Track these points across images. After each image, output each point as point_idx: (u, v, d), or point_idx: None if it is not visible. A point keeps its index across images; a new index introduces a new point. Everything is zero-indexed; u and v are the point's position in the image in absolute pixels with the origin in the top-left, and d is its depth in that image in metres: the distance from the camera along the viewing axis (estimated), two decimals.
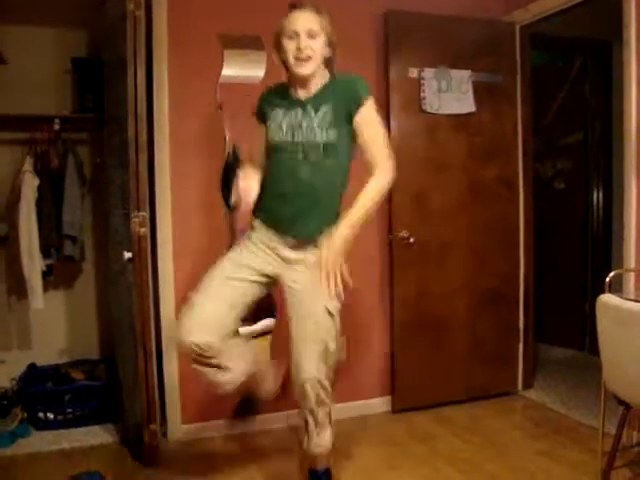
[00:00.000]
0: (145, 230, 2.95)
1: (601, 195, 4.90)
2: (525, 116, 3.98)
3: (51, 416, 3.53)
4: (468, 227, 3.82)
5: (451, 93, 3.70)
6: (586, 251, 4.94)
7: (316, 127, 2.36)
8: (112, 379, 3.61)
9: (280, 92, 2.48)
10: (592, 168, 4.90)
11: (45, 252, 3.58)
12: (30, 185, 3.48)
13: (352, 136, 2.42)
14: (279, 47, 2.38)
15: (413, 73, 3.64)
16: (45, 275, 3.60)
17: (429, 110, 3.66)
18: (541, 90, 4.48)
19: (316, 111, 2.36)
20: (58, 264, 3.70)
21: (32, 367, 3.77)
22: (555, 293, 4.93)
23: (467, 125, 3.78)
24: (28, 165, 3.50)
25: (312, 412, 2.47)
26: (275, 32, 2.39)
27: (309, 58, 2.31)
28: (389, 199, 3.65)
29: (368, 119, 2.40)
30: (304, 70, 2.33)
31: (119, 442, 3.36)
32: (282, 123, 2.40)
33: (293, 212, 2.42)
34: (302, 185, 2.40)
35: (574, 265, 4.97)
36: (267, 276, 2.50)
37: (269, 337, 3.57)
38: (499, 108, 3.87)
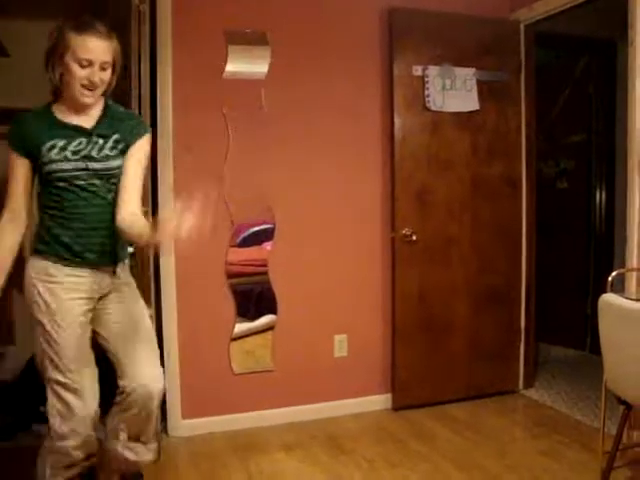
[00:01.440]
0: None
1: (604, 195, 4.89)
2: (529, 115, 3.97)
3: None
4: (471, 225, 3.82)
5: (455, 91, 3.69)
6: (588, 250, 4.94)
7: (101, 156, 2.23)
8: (114, 373, 3.60)
9: (43, 119, 2.25)
10: (595, 167, 4.90)
11: None
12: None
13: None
14: (59, 64, 2.17)
15: (417, 71, 3.63)
16: None
17: (433, 108, 3.65)
18: (545, 89, 4.47)
19: (101, 138, 2.24)
20: None
21: (33, 360, 3.77)
22: (557, 292, 4.93)
23: (471, 123, 3.77)
24: None
25: (149, 419, 2.38)
26: (54, 45, 2.19)
27: (98, 90, 2.18)
28: (392, 196, 3.66)
29: (138, 156, 2.31)
30: (89, 100, 2.19)
31: None
32: (67, 152, 2.19)
33: (106, 240, 2.31)
34: (108, 214, 2.28)
35: (576, 264, 4.97)
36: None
37: (270, 333, 3.59)
38: (503, 106, 3.86)
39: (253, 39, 3.43)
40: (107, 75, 2.18)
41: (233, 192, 3.45)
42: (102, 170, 2.23)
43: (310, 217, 3.60)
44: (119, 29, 3.06)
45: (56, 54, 2.17)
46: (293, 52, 3.50)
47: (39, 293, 2.25)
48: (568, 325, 4.94)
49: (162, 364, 3.28)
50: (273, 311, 3.59)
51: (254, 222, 3.55)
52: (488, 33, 3.79)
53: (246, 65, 3.45)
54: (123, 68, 2.31)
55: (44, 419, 3.46)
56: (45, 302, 2.24)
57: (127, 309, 2.39)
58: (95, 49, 2.12)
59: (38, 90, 3.61)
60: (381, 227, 3.72)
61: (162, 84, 3.27)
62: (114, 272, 2.35)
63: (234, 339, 3.51)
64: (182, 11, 3.30)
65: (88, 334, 2.32)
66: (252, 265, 3.57)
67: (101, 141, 2.24)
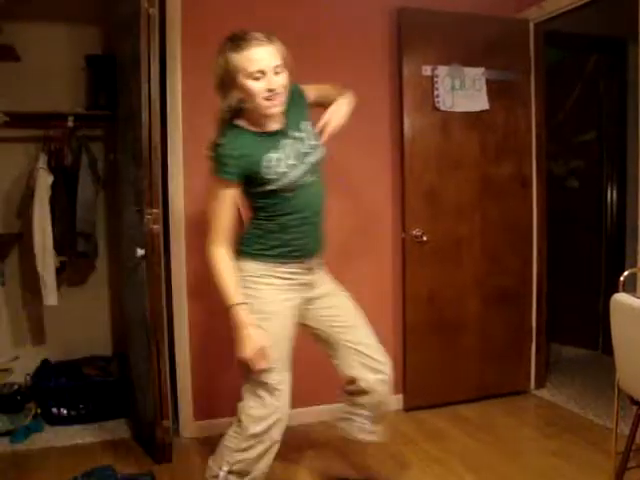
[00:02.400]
0: (158, 227, 2.96)
1: (615, 194, 4.86)
2: (539, 114, 3.95)
3: (64, 412, 3.56)
4: (481, 225, 3.81)
5: (464, 91, 3.68)
6: (600, 250, 4.91)
7: (309, 148, 2.29)
8: (125, 375, 3.63)
9: (245, 140, 2.20)
10: (606, 167, 4.87)
11: (59, 249, 3.60)
12: (44, 182, 3.51)
13: None
14: (235, 89, 2.14)
15: (426, 71, 3.62)
16: (59, 272, 3.62)
17: (442, 108, 3.64)
18: (555, 88, 4.46)
19: (299, 131, 2.29)
20: (71, 261, 3.73)
21: (46, 363, 3.80)
22: (568, 292, 4.90)
23: (480, 123, 3.76)
24: (42, 162, 3.53)
25: (380, 405, 2.53)
26: (224, 73, 2.14)
27: (279, 94, 2.14)
28: (402, 196, 3.65)
29: (308, 87, 2.41)
30: (277, 109, 2.17)
31: (131, 438, 3.39)
32: (281, 163, 2.21)
33: (318, 235, 2.41)
34: (318, 205, 2.38)
35: (587, 264, 4.94)
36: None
37: None
38: (513, 106, 3.85)
39: None
40: (283, 77, 2.15)
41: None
42: (315, 158, 2.31)
43: None
44: (128, 32, 3.09)
45: (228, 81, 2.14)
46: (301, 53, 3.49)
47: (250, 295, 2.26)
48: (580, 325, 4.91)
49: (173, 365, 3.33)
50: None
51: None
52: (497, 32, 3.78)
53: None
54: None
55: (57, 421, 3.52)
56: (256, 303, 2.26)
57: (335, 300, 2.48)
58: (262, 58, 2.09)
59: (49, 94, 3.68)
60: (391, 227, 3.71)
61: (172, 85, 3.29)
62: (318, 264, 2.44)
63: None
64: (191, 14, 3.31)
65: (292, 337, 2.38)
66: None
67: (297, 134, 2.27)
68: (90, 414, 3.58)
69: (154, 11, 2.87)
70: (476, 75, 3.71)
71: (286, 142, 2.24)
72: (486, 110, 3.75)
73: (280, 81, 2.13)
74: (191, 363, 3.40)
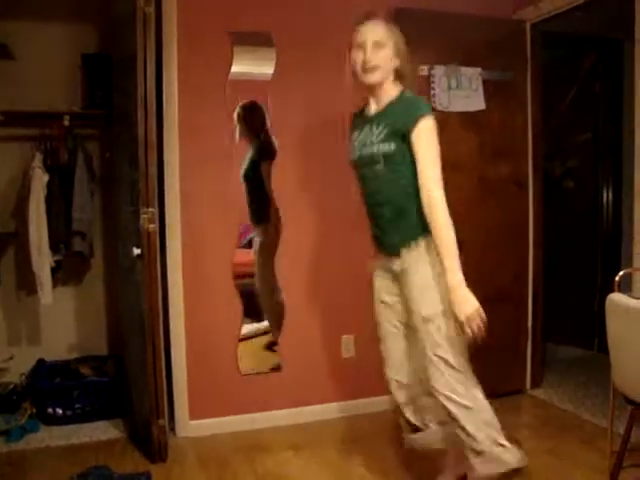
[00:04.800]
0: (154, 226, 2.96)
1: (611, 194, 4.88)
2: (535, 114, 3.96)
3: (60, 411, 3.55)
4: (477, 225, 3.80)
5: (461, 91, 3.68)
6: (595, 250, 4.92)
7: (375, 141, 2.40)
8: (121, 375, 3.62)
9: (361, 112, 2.55)
10: (602, 167, 4.88)
11: (54, 248, 3.59)
12: (39, 181, 3.49)
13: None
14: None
15: (423, 70, 3.63)
16: (54, 271, 3.61)
17: (439, 107, 3.64)
18: (551, 88, 4.46)
19: (377, 126, 2.41)
20: (67, 260, 3.72)
21: (41, 362, 3.79)
22: (564, 292, 4.91)
23: (477, 123, 3.76)
24: (38, 161, 3.52)
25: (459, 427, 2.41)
26: (350, 46, 2.45)
27: (375, 68, 2.36)
28: None
29: (417, 142, 2.36)
30: (370, 78, 2.38)
31: (127, 437, 3.38)
32: (356, 141, 2.50)
33: (385, 225, 2.49)
34: (382, 198, 2.45)
35: (583, 264, 4.95)
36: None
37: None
38: (509, 106, 3.86)
39: (258, 40, 3.44)
40: (383, 54, 2.36)
41: (239, 193, 3.46)
42: (367, 156, 2.42)
43: (316, 218, 3.60)
44: (124, 30, 3.09)
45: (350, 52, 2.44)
46: (298, 53, 3.50)
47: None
48: (576, 325, 4.92)
49: (169, 365, 3.33)
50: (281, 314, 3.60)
51: None
52: (494, 32, 3.78)
53: (252, 66, 3.46)
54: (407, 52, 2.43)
55: (52, 421, 3.51)
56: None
57: (408, 296, 2.46)
58: (365, 32, 2.36)
59: (45, 93, 3.67)
60: None
61: (168, 84, 3.29)
62: (398, 255, 2.45)
63: (241, 340, 3.52)
64: (187, 12, 3.31)
65: (390, 315, 2.58)
66: None
67: (375, 128, 2.41)
68: (86, 414, 3.58)
69: (150, 9, 2.87)
70: (473, 75, 3.71)
71: (366, 127, 2.46)
72: (482, 110, 3.76)
73: (377, 54, 2.35)
74: (187, 363, 3.40)
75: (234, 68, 3.39)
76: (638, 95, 3.12)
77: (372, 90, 2.44)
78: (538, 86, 3.97)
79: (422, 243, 2.39)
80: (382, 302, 2.60)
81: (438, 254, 2.33)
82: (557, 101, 4.92)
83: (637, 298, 2.50)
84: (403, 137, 2.34)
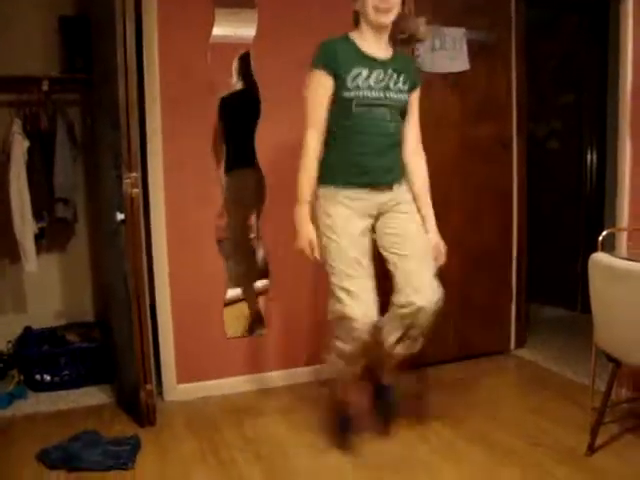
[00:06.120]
0: (137, 191, 2.94)
1: (594, 155, 4.89)
2: (519, 75, 3.94)
3: (47, 378, 3.56)
4: (461, 186, 3.81)
5: (445, 51, 3.65)
6: (579, 210, 4.95)
7: (402, 89, 2.61)
8: (107, 340, 3.63)
9: (347, 47, 2.56)
10: (586, 128, 4.88)
11: (37, 215, 3.56)
12: (20, 147, 3.45)
13: None
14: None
15: None
16: (38, 238, 3.59)
17: (423, 68, 3.60)
18: (536, 48, 4.43)
19: (398, 75, 2.59)
20: (51, 226, 3.69)
21: (28, 330, 3.79)
22: (548, 253, 4.95)
23: (461, 83, 3.74)
24: (17, 127, 3.47)
25: (419, 327, 2.65)
26: None
27: (390, 9, 2.49)
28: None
29: (416, 102, 2.74)
30: (384, 19, 2.50)
31: (115, 402, 3.40)
32: (369, 81, 2.53)
33: (387, 162, 2.64)
34: (391, 138, 2.64)
35: (567, 224, 4.99)
36: (370, 228, 2.70)
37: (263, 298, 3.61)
38: (493, 66, 3.83)
39: (240, 1, 3.38)
40: None
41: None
42: (395, 101, 2.60)
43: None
44: None
45: None
46: (279, 15, 3.44)
47: (326, 213, 2.61)
48: (559, 285, 4.98)
49: (155, 330, 3.33)
50: (265, 275, 3.60)
51: None
52: None
53: (233, 29, 3.40)
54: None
55: (40, 388, 3.52)
56: (329, 221, 2.60)
57: (402, 227, 2.67)
58: None
59: (22, 57, 3.59)
60: None
61: (148, 46, 3.22)
62: (390, 191, 2.65)
63: (227, 304, 3.53)
64: None
65: (364, 248, 2.62)
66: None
67: (395, 75, 2.58)
68: (73, 380, 3.59)
69: None
70: (457, 35, 3.68)
71: (379, 70, 2.55)
72: (467, 71, 3.73)
73: None
74: (173, 327, 3.41)
75: (216, 30, 3.33)
76: (623, 56, 3.10)
77: (378, 30, 2.56)
78: (522, 46, 3.94)
79: (404, 184, 2.72)
80: (357, 234, 2.62)
81: (421, 196, 2.75)
82: (542, 61, 4.90)
83: (619, 257, 2.53)
84: (409, 90, 2.66)
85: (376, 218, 2.68)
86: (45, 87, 3.53)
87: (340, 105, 2.54)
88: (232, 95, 3.59)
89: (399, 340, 2.72)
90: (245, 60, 3.49)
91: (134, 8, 2.89)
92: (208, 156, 3.41)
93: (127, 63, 2.85)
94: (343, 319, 2.53)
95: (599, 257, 2.51)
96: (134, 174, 2.92)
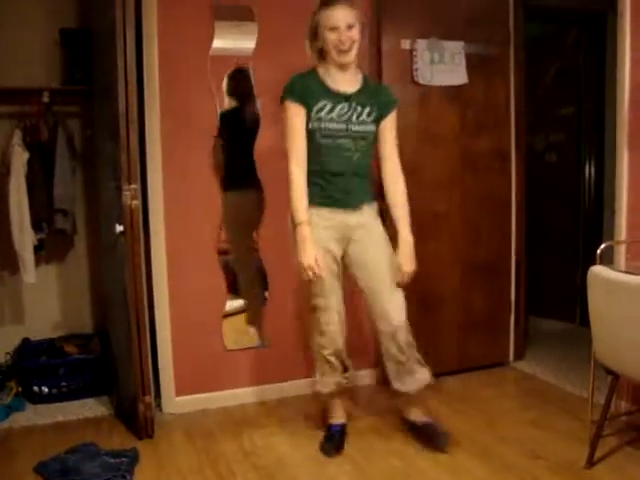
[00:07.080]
0: (137, 203, 2.94)
1: (593, 168, 4.90)
2: (518, 88, 3.95)
3: (46, 390, 3.55)
4: (460, 199, 3.82)
5: (444, 64, 3.67)
6: (577, 223, 4.96)
7: (365, 120, 2.76)
8: (106, 352, 3.62)
9: (314, 82, 2.74)
10: (584, 140, 4.90)
11: (36, 226, 3.56)
12: (20, 158, 3.46)
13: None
14: (315, 37, 2.73)
15: (405, 44, 3.60)
16: (37, 249, 3.59)
17: (421, 82, 3.63)
18: (534, 62, 4.46)
19: (363, 107, 2.75)
20: (50, 238, 3.69)
21: (26, 341, 3.78)
22: (547, 265, 4.96)
23: (460, 97, 3.75)
24: (17, 138, 3.47)
25: (402, 353, 2.86)
26: (313, 25, 2.71)
27: (350, 48, 2.66)
28: (381, 170, 3.64)
29: (390, 128, 2.86)
30: (346, 58, 2.69)
31: (114, 415, 3.39)
32: (332, 114, 2.71)
33: (351, 188, 2.79)
34: (354, 166, 2.78)
35: (565, 237, 4.99)
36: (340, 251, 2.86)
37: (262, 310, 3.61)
38: (492, 80, 3.85)
39: (240, 14, 3.40)
40: (354, 33, 2.66)
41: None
42: (358, 132, 2.75)
43: None
44: (103, 3, 3.03)
45: (314, 31, 2.72)
46: (279, 27, 3.46)
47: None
48: (558, 298, 4.97)
49: (154, 342, 3.33)
50: (264, 287, 3.60)
51: None
52: (477, 5, 3.77)
53: (233, 41, 3.42)
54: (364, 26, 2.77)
55: (38, 399, 3.51)
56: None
57: (367, 250, 2.84)
58: (338, 15, 2.63)
59: (23, 69, 3.61)
60: None
61: (148, 59, 3.24)
62: (355, 214, 2.81)
63: (226, 316, 3.53)
64: None
65: (335, 267, 2.82)
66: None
67: (359, 108, 2.75)
68: (72, 392, 3.58)
69: None
70: (455, 49, 3.69)
71: (343, 104, 2.73)
72: (465, 84, 3.75)
73: (350, 35, 2.65)
74: (172, 339, 3.40)
75: (216, 43, 3.34)
76: (621, 69, 3.12)
77: (342, 67, 2.73)
78: (521, 60, 3.96)
79: (374, 206, 2.90)
80: (328, 252, 2.78)
81: (398, 211, 2.88)
82: (540, 75, 4.92)
83: (618, 270, 2.53)
84: (377, 121, 2.81)
85: (344, 241, 2.83)
86: (46, 99, 3.53)
87: (308, 135, 2.72)
88: (230, 112, 3.58)
89: (397, 376, 2.94)
90: (235, 78, 3.50)
91: (134, 21, 2.91)
92: (208, 168, 3.42)
93: (127, 76, 2.87)
94: (315, 310, 2.83)
95: (598, 270, 2.51)
96: (133, 186, 2.93)
